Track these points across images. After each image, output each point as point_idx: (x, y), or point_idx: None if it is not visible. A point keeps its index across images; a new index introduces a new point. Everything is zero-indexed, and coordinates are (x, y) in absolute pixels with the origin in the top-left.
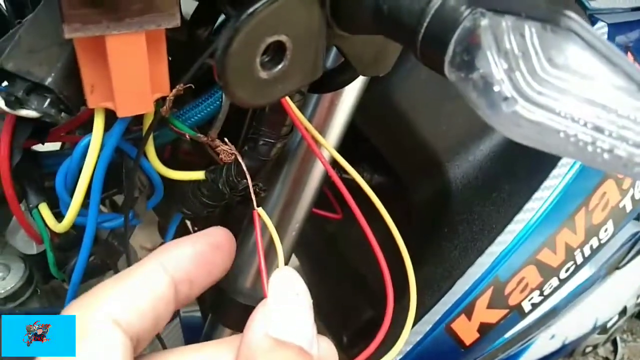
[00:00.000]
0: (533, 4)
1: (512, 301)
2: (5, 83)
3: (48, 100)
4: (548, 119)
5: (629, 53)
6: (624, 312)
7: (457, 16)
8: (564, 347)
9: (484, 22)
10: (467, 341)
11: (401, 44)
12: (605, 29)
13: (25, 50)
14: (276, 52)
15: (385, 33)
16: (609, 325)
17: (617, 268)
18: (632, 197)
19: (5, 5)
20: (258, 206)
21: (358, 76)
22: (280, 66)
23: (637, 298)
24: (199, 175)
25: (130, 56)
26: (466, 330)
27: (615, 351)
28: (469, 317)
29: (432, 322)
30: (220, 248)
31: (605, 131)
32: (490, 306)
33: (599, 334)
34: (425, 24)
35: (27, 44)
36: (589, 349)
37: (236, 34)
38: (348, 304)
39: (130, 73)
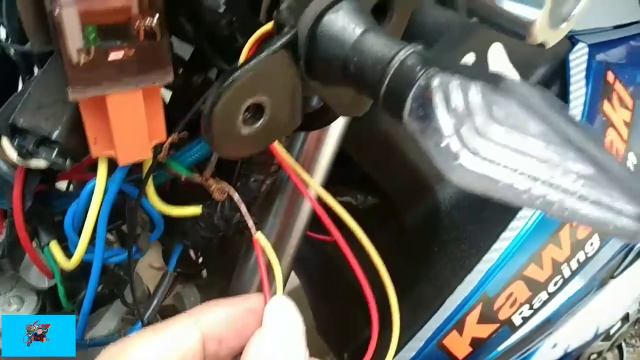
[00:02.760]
0: (479, 67)
1: (502, 316)
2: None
3: (56, 150)
4: (489, 170)
5: (609, 71)
6: (626, 318)
7: (414, 75)
8: (566, 355)
9: (436, 81)
10: (460, 355)
11: (367, 97)
12: (586, 50)
13: (34, 106)
14: (256, 109)
15: (353, 87)
16: (612, 332)
17: (612, 277)
18: None
19: (17, 60)
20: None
21: (339, 117)
22: (260, 121)
23: (639, 304)
24: (196, 210)
25: (129, 111)
26: (458, 345)
27: (621, 357)
28: (460, 333)
29: (424, 339)
30: (254, 312)
31: (539, 180)
32: (480, 321)
33: (602, 340)
34: (386, 82)
35: (36, 101)
36: (593, 356)
37: (219, 99)
38: (348, 322)
39: (129, 125)
